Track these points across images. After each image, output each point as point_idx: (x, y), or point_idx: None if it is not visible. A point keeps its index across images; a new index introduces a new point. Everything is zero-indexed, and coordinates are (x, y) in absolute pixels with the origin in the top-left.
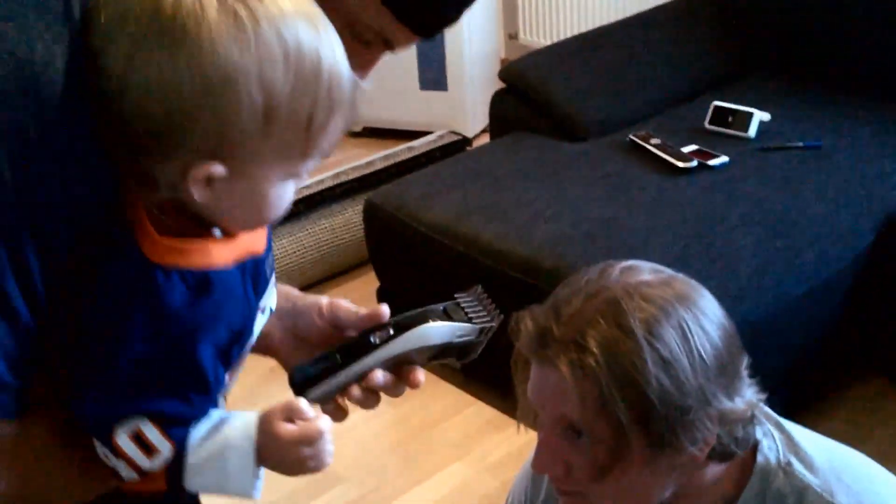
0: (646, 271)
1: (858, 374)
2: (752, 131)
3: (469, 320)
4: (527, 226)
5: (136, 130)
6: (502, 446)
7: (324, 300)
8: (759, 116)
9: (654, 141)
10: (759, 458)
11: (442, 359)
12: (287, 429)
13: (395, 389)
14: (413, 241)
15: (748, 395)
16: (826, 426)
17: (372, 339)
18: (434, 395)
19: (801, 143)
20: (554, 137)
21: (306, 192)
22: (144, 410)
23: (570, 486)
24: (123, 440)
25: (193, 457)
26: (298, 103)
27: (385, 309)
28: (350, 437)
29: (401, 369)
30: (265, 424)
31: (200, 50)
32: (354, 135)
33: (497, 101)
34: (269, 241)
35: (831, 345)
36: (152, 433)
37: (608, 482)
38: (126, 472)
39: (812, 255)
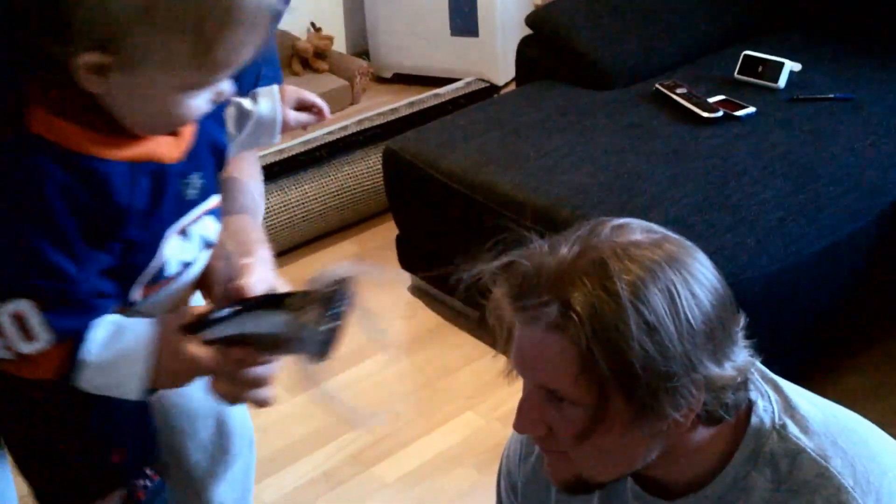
0: (637, 231)
1: (881, 330)
2: (783, 82)
3: (307, 318)
4: (545, 175)
5: (30, 7)
6: (515, 396)
7: (244, 260)
8: (790, 67)
9: (680, 91)
10: (754, 420)
11: (286, 352)
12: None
13: None
14: (431, 189)
15: (740, 360)
16: (847, 383)
17: (231, 310)
18: (449, 344)
19: (832, 95)
20: (579, 86)
21: (329, 139)
22: (20, 289)
23: (553, 446)
24: (4, 318)
25: (91, 358)
26: (181, 2)
27: (247, 287)
28: (365, 385)
29: None
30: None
31: None
32: (382, 81)
33: (523, 48)
34: (207, 162)
35: (853, 301)
36: (35, 319)
37: (589, 445)
38: (2, 351)
39: (835, 209)
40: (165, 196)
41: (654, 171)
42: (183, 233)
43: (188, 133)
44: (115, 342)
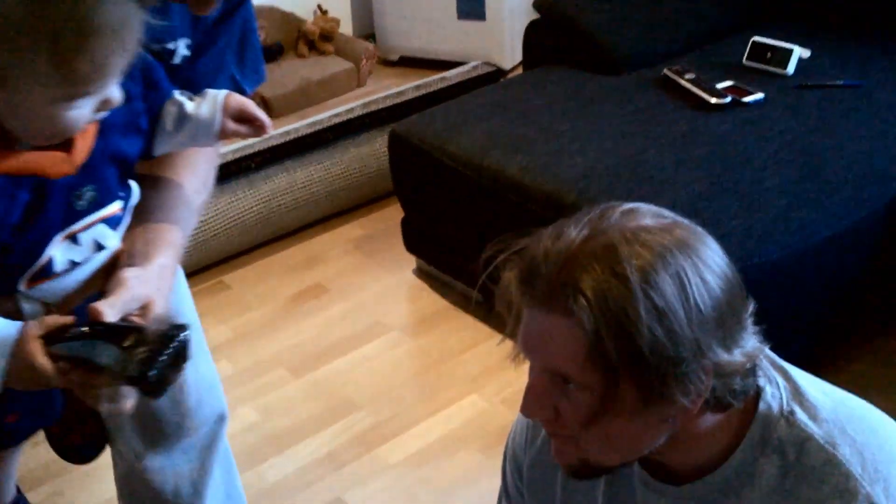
0: (647, 215)
1: (888, 317)
2: (791, 68)
3: (136, 359)
4: (551, 160)
5: None
6: (520, 379)
7: (124, 274)
8: (799, 53)
9: (688, 76)
10: (762, 406)
11: (118, 383)
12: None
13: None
14: (437, 172)
15: (749, 346)
16: (855, 370)
17: (81, 330)
18: (453, 327)
19: (840, 82)
20: (587, 70)
21: (336, 121)
22: None
23: (560, 430)
24: None
25: None
26: (36, 15)
27: (102, 312)
28: (368, 367)
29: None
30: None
31: None
32: (389, 64)
33: (531, 32)
34: (106, 175)
35: (861, 288)
36: None
37: (597, 429)
38: None
39: (843, 196)
40: (48, 208)
41: (662, 156)
42: (72, 238)
43: (84, 147)
44: None
